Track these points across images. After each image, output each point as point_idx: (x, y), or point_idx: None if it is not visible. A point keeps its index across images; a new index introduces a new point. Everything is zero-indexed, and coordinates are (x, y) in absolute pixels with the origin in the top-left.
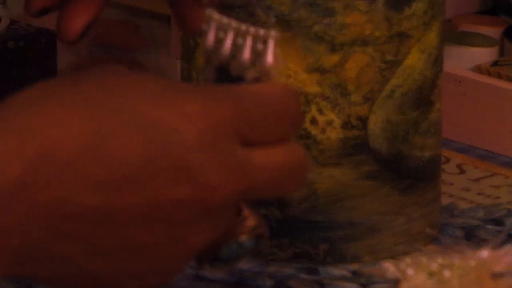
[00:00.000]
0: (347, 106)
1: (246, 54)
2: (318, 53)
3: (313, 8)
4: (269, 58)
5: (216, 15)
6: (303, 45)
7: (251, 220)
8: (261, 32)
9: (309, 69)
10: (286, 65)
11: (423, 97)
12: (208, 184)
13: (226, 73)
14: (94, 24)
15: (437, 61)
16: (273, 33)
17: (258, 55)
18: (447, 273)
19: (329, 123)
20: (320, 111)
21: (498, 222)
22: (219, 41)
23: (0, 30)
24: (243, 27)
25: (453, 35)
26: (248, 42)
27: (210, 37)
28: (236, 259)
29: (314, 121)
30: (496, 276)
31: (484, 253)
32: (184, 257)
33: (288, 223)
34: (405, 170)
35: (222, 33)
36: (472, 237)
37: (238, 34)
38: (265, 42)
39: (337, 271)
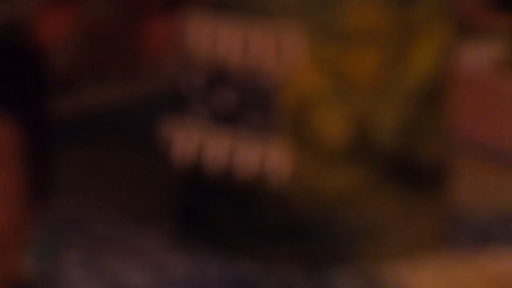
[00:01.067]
0: (355, 104)
1: (261, 49)
2: (324, 46)
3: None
4: (294, 50)
5: (201, 18)
6: (308, 38)
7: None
8: (274, 25)
9: (315, 64)
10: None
11: (434, 94)
12: None
13: (222, 75)
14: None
15: (448, 56)
16: (288, 25)
17: (277, 49)
18: (457, 275)
19: (336, 121)
20: (326, 109)
21: (511, 223)
22: (212, 43)
23: None
24: (247, 24)
25: (465, 29)
26: (260, 37)
27: (194, 42)
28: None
29: (320, 120)
30: (508, 277)
31: (496, 254)
32: None
33: (292, 224)
34: (414, 170)
35: (214, 36)
36: (484, 238)
37: (241, 32)
38: (280, 35)
39: (342, 272)
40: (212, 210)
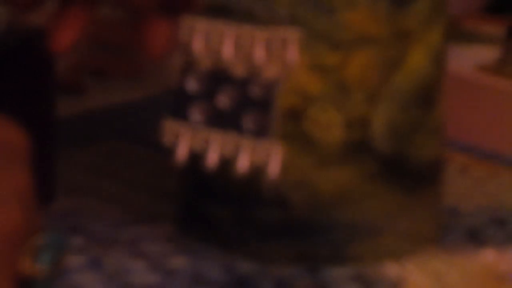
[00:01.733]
0: (349, 106)
1: (261, 53)
2: (319, 51)
3: (315, 5)
4: (291, 54)
5: (203, 22)
6: (304, 43)
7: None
8: (275, 29)
9: (310, 67)
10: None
11: (426, 96)
12: None
13: (221, 78)
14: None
15: (440, 60)
16: (289, 30)
17: (275, 53)
18: (450, 274)
19: (331, 123)
20: (322, 111)
21: (502, 222)
22: (211, 47)
23: None
24: (247, 28)
25: (457, 34)
26: (260, 40)
27: (197, 45)
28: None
29: (315, 121)
30: (500, 277)
31: (488, 254)
32: None
33: (290, 224)
34: (408, 170)
35: (215, 39)
36: (475, 238)
37: (242, 35)
38: (279, 38)
39: (339, 272)
40: (212, 210)
